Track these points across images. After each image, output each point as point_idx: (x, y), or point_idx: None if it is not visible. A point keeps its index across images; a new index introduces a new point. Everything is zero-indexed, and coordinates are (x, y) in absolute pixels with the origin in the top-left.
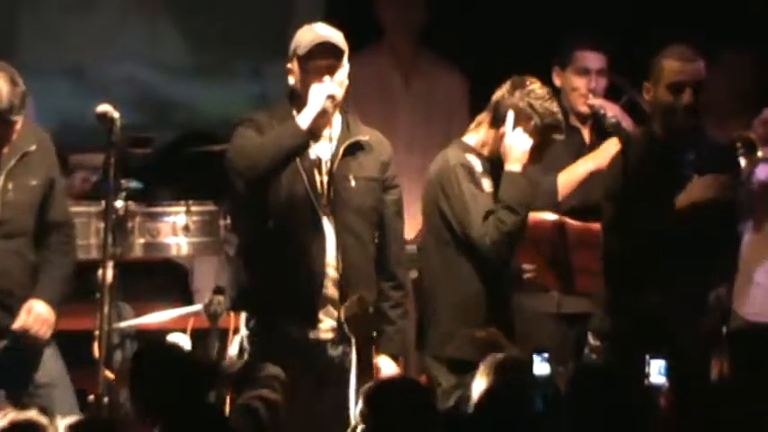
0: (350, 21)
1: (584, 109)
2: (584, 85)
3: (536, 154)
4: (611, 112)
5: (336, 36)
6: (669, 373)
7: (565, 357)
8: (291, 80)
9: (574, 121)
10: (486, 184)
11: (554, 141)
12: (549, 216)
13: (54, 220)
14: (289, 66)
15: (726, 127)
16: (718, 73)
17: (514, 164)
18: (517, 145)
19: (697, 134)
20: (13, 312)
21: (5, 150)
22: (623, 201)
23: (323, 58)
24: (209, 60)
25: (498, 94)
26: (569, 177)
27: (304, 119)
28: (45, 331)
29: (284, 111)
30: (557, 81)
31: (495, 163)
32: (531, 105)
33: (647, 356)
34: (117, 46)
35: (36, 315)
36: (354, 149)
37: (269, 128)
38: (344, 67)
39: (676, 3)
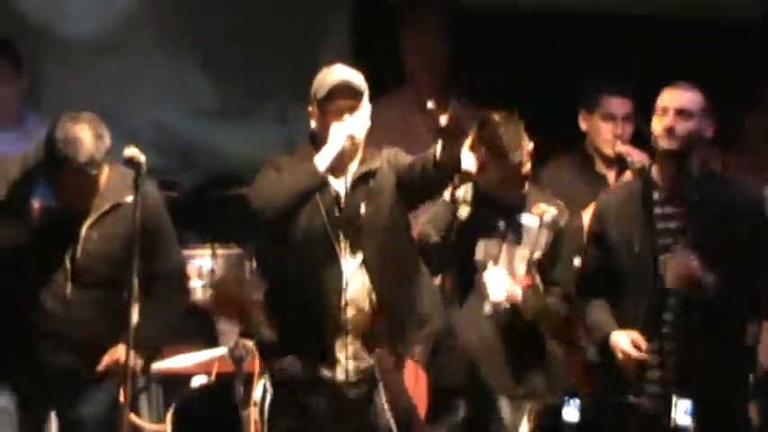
0: (376, 64)
1: (610, 153)
2: (610, 131)
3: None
4: (638, 157)
5: (355, 77)
6: (695, 413)
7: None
8: (312, 123)
9: (600, 168)
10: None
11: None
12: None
13: (157, 271)
14: (310, 108)
15: (757, 169)
16: (755, 117)
17: None
18: None
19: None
20: (93, 362)
21: (96, 200)
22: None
23: (342, 99)
24: (234, 104)
25: None
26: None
27: (322, 159)
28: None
29: (306, 153)
30: (583, 125)
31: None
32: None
33: (674, 397)
34: (143, 89)
35: (115, 357)
36: (366, 177)
37: (289, 168)
38: (365, 107)
39: (706, 49)
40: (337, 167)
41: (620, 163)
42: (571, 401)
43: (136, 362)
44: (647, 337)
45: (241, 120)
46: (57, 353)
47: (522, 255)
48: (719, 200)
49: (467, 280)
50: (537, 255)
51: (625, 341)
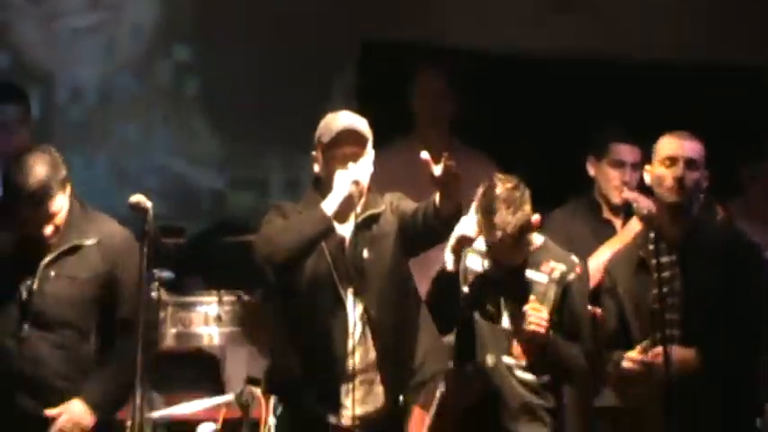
0: (382, 111)
1: (617, 201)
2: (618, 178)
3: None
4: (645, 204)
5: (360, 123)
6: None
7: None
8: (316, 168)
9: (607, 214)
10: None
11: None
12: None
13: (120, 318)
14: (313, 153)
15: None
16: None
17: None
18: None
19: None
20: (48, 403)
21: (54, 240)
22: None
23: (347, 145)
24: (240, 151)
25: None
26: (598, 261)
27: (329, 205)
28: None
29: (310, 198)
30: (591, 171)
31: None
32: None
33: None
34: (150, 137)
35: (70, 415)
36: (369, 223)
37: (293, 214)
38: (369, 154)
39: (717, 101)
40: (342, 213)
41: (627, 210)
42: None
43: (81, 418)
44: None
45: (246, 168)
46: (13, 394)
47: (532, 299)
48: (707, 247)
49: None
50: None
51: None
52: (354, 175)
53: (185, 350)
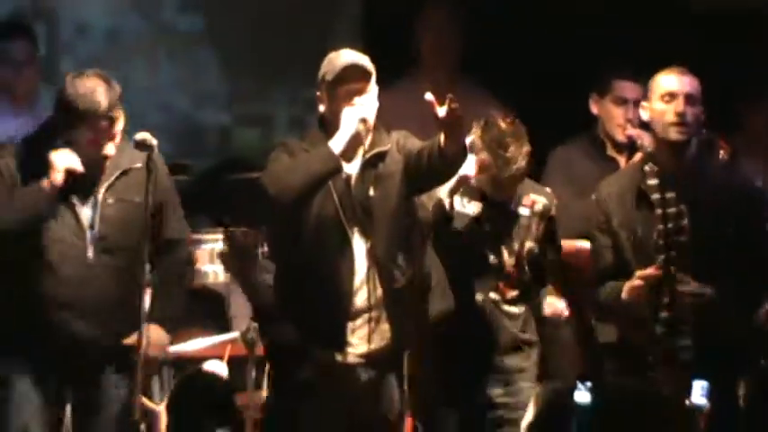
0: (387, 49)
1: (621, 138)
2: (621, 115)
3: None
4: (649, 141)
5: (363, 59)
6: (710, 394)
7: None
8: (321, 107)
9: (611, 151)
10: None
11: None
12: (585, 244)
13: (168, 239)
14: (318, 93)
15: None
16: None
17: None
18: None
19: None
20: (112, 329)
21: (107, 164)
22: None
23: (352, 81)
24: (244, 87)
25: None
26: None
27: (337, 143)
28: (156, 355)
29: (315, 137)
30: (594, 109)
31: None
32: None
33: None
34: (154, 76)
35: (152, 339)
36: (376, 161)
37: (301, 153)
38: (373, 90)
39: (718, 35)
40: (349, 151)
41: (630, 147)
42: (582, 385)
43: (160, 340)
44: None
45: (252, 104)
46: (76, 323)
47: (512, 247)
48: (715, 188)
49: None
50: (529, 245)
51: (632, 280)
52: (361, 112)
53: (191, 288)
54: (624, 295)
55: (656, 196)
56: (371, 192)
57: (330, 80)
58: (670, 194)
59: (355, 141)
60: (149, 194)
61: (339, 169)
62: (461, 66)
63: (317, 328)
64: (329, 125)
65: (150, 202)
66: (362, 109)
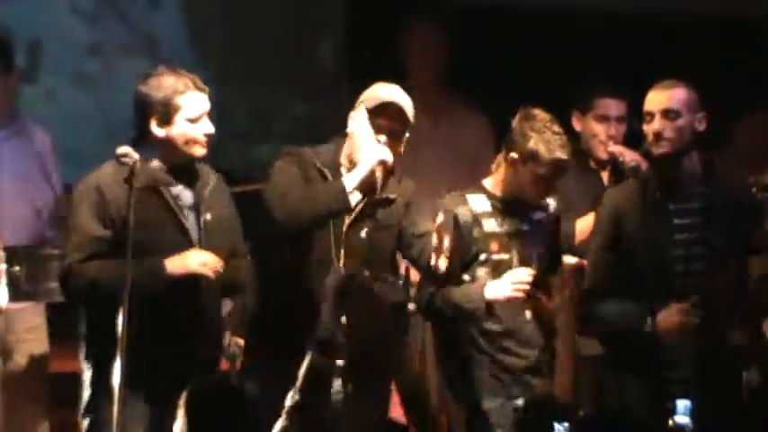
0: (372, 62)
1: (603, 155)
2: (603, 132)
3: (540, 185)
4: (630, 157)
5: (407, 103)
6: (693, 413)
7: (583, 400)
8: (350, 126)
9: (593, 165)
10: (487, 225)
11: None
12: (570, 259)
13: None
14: (352, 113)
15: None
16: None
17: None
18: None
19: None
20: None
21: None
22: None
23: (388, 118)
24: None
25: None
26: (587, 223)
27: (352, 180)
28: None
29: (331, 154)
30: (576, 126)
31: (508, 201)
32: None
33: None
34: None
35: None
36: (378, 205)
37: (311, 169)
38: (405, 137)
39: (698, 48)
40: (361, 188)
41: (613, 164)
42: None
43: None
44: None
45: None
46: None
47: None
48: (727, 198)
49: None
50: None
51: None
52: (383, 154)
53: None
54: (663, 326)
55: (671, 206)
56: (363, 235)
57: (368, 108)
58: (685, 204)
59: (369, 180)
60: (131, 210)
61: (348, 210)
62: (447, 79)
63: (296, 328)
64: (351, 145)
65: (132, 220)
66: (385, 151)
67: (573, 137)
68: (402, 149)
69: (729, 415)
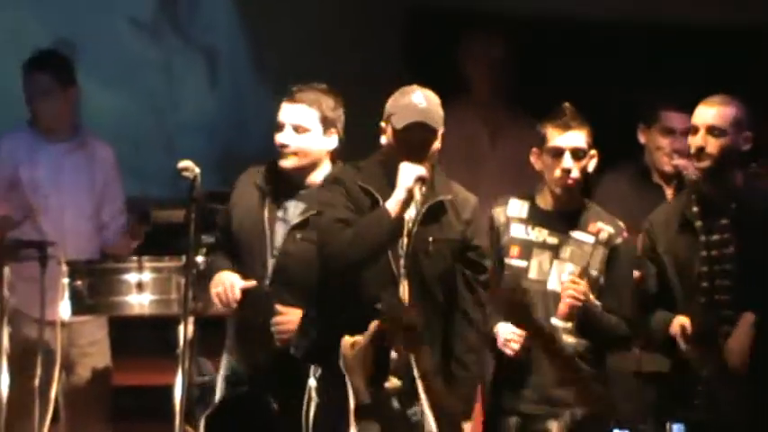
0: (433, 74)
1: (667, 168)
2: (668, 145)
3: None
4: (694, 170)
5: (434, 112)
6: None
7: (645, 417)
8: (384, 139)
9: (656, 179)
10: (515, 229)
11: None
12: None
13: None
14: (382, 124)
15: None
16: None
17: None
18: None
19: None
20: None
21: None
22: None
23: (418, 135)
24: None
25: None
26: None
27: (393, 204)
28: None
29: (373, 168)
30: (641, 139)
31: (548, 212)
32: None
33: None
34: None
35: None
36: (437, 210)
37: (356, 194)
38: (437, 144)
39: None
40: (404, 209)
41: (677, 177)
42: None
43: None
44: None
45: None
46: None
47: (572, 271)
48: (760, 210)
49: None
50: (593, 273)
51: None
52: (419, 170)
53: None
54: (675, 331)
55: (698, 223)
56: (430, 247)
57: (396, 128)
58: (714, 221)
59: (409, 197)
60: (192, 224)
61: (399, 234)
62: (507, 94)
63: None
64: (389, 160)
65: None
66: (419, 169)
67: (638, 150)
68: (436, 152)
69: None
